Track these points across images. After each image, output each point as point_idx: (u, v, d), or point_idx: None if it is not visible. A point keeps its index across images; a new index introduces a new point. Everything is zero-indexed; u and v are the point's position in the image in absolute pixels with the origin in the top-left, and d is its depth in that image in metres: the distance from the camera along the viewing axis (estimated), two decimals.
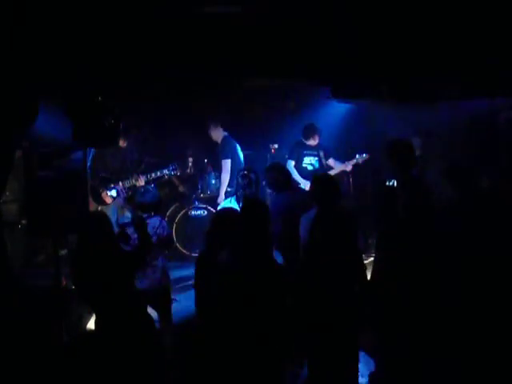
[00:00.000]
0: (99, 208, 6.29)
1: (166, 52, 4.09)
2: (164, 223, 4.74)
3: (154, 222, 4.57)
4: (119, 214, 6.35)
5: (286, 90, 7.37)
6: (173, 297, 5.00)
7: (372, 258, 5.13)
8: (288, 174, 5.19)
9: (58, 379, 4.06)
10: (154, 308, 4.57)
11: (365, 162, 7.07)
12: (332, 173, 6.55)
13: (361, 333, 4.04)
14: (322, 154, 7.17)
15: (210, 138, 7.36)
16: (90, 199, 5.58)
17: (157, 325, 4.29)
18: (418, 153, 5.85)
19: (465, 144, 6.31)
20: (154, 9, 3.83)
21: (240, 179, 5.02)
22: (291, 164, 7.02)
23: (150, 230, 4.33)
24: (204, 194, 7.70)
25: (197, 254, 7.12)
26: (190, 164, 7.78)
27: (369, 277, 3.98)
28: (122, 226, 4.42)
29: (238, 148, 7.00)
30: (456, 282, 3.61)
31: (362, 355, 4.22)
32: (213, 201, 7.45)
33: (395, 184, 4.88)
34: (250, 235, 3.41)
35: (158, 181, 6.56)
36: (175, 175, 7.01)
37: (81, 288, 3.80)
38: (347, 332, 3.89)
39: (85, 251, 3.71)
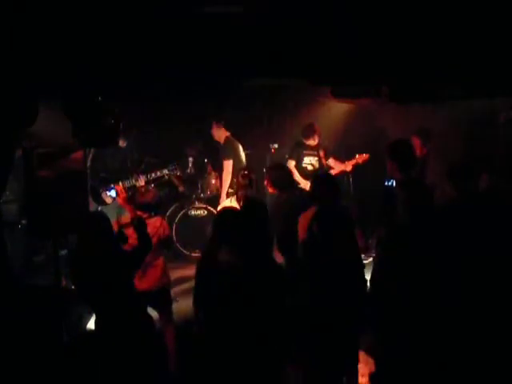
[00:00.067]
0: (99, 208, 6.29)
1: (166, 52, 4.09)
2: (164, 223, 4.75)
3: (154, 223, 4.58)
4: (119, 214, 6.36)
5: (286, 89, 7.36)
6: (173, 297, 5.01)
7: (372, 258, 5.14)
8: (290, 174, 5.21)
9: (58, 379, 4.06)
10: (154, 308, 4.57)
11: (365, 161, 7.06)
12: (332, 173, 6.55)
13: (361, 333, 4.04)
14: (322, 153, 7.17)
15: (210, 138, 7.37)
16: (90, 199, 5.58)
17: (157, 325, 4.29)
18: (418, 153, 5.86)
19: (465, 144, 6.31)
20: (154, 9, 3.83)
21: (240, 179, 5.03)
22: (291, 164, 7.02)
23: (150, 230, 4.33)
24: (204, 194, 7.71)
25: (197, 254, 7.26)
26: (190, 164, 7.79)
27: (369, 277, 3.98)
28: (121, 227, 4.42)
29: (241, 148, 6.99)
30: (456, 282, 3.60)
31: (361, 355, 4.23)
32: (213, 201, 7.46)
33: (394, 184, 4.88)
34: (250, 235, 3.41)
35: (158, 181, 6.56)
36: (175, 175, 7.02)
37: (81, 288, 3.81)
38: (347, 332, 3.89)
39: (84, 251, 3.71)
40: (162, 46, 4.07)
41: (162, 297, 4.64)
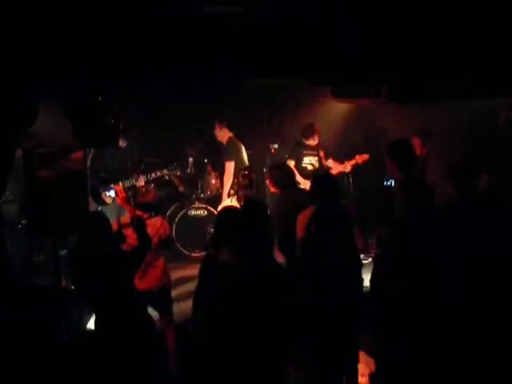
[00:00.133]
0: (99, 208, 6.29)
1: (166, 52, 4.09)
2: (165, 223, 4.75)
3: (155, 223, 4.58)
4: (119, 214, 6.36)
5: (286, 89, 7.36)
6: (174, 297, 5.00)
7: (372, 258, 5.15)
8: (292, 173, 5.21)
9: (58, 379, 4.06)
10: (154, 308, 4.58)
11: (365, 162, 7.06)
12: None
13: (361, 333, 4.04)
14: (322, 153, 7.17)
15: (210, 138, 7.35)
16: (90, 199, 5.58)
17: (157, 325, 4.29)
18: (418, 153, 5.86)
19: (465, 144, 6.31)
20: (154, 9, 3.83)
21: (241, 179, 5.03)
22: (291, 164, 7.00)
23: (150, 230, 4.33)
24: (204, 194, 7.70)
25: (197, 254, 7.26)
26: (190, 164, 7.78)
27: (369, 277, 3.99)
28: (120, 227, 4.43)
29: (243, 149, 6.97)
30: (456, 282, 3.61)
31: (361, 355, 4.23)
32: (213, 201, 7.46)
33: (393, 184, 4.88)
34: (250, 235, 3.41)
35: (158, 181, 6.55)
36: (175, 175, 7.01)
37: (81, 288, 3.81)
38: (347, 332, 3.89)
39: (84, 251, 3.71)
40: (162, 46, 4.06)
41: (162, 297, 4.64)
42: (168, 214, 7.51)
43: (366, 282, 4.06)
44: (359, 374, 4.17)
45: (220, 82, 5.30)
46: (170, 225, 7.10)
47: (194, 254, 7.31)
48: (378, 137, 7.53)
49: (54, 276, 4.51)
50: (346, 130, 8.05)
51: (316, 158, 7.15)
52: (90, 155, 6.38)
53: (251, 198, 4.61)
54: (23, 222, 6.24)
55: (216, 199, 7.24)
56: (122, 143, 6.69)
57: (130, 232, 4.18)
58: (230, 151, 6.87)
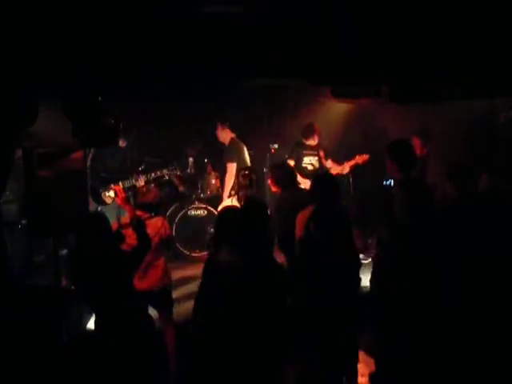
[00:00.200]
0: (99, 208, 6.29)
1: (166, 52, 4.09)
2: (166, 223, 4.75)
3: (155, 223, 4.58)
4: (119, 214, 6.36)
5: (286, 89, 7.36)
6: (174, 298, 5.00)
7: (371, 258, 5.14)
8: (293, 173, 5.22)
9: (58, 379, 4.06)
10: (155, 308, 4.58)
11: (365, 162, 7.06)
12: None
13: (361, 333, 4.04)
14: (322, 153, 7.17)
15: (210, 138, 7.35)
16: (90, 199, 5.58)
17: (157, 325, 4.29)
18: (418, 153, 5.86)
19: (465, 144, 6.31)
20: (154, 9, 3.83)
21: (241, 179, 5.03)
22: (291, 164, 7.01)
23: (151, 230, 4.33)
24: (204, 194, 7.70)
25: (197, 254, 7.26)
26: (190, 164, 7.78)
27: (369, 277, 3.98)
28: (120, 227, 4.43)
29: (245, 150, 6.95)
30: (456, 282, 3.61)
31: (361, 355, 4.23)
32: (213, 201, 7.46)
33: (392, 183, 4.88)
34: (250, 235, 3.41)
35: (158, 181, 6.55)
36: (175, 175, 7.01)
37: (81, 288, 3.81)
38: (347, 332, 3.89)
39: (84, 251, 3.71)
40: (162, 46, 4.06)
41: (162, 297, 4.64)
42: (168, 214, 7.51)
43: (366, 282, 4.06)
44: (359, 373, 4.17)
45: (220, 81, 5.30)
46: (170, 225, 7.11)
47: (193, 254, 7.32)
48: (377, 137, 7.54)
49: (54, 276, 4.51)
50: (345, 130, 8.06)
51: (316, 158, 7.15)
52: (90, 155, 6.38)
53: (251, 198, 4.61)
54: (23, 222, 6.24)
55: (216, 199, 7.24)
56: (121, 143, 6.70)
57: (129, 232, 4.18)
58: (232, 152, 6.85)
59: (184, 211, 7.51)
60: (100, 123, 4.49)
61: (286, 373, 3.60)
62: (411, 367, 3.61)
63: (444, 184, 4.26)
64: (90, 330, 4.70)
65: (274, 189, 5.07)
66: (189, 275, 6.38)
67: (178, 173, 6.81)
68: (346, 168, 7.06)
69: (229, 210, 3.99)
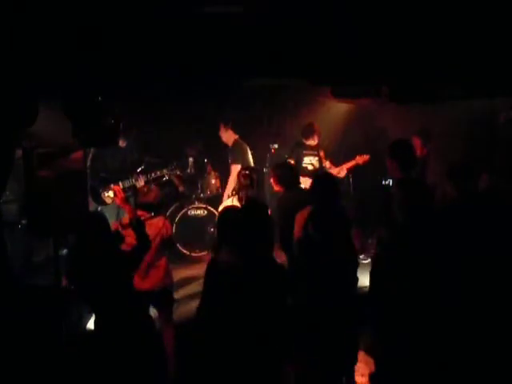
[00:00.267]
0: (99, 208, 6.29)
1: (166, 52, 4.09)
2: (167, 223, 4.75)
3: (157, 223, 4.58)
4: (119, 214, 6.36)
5: (286, 89, 7.36)
6: (175, 298, 5.00)
7: (371, 258, 5.14)
8: (296, 172, 5.22)
9: (58, 379, 4.06)
10: (156, 308, 4.58)
11: (365, 162, 7.05)
12: None
13: (361, 333, 4.04)
14: (322, 153, 7.17)
15: (210, 138, 7.35)
16: (90, 199, 5.58)
17: (157, 324, 4.29)
18: (418, 153, 5.86)
19: (465, 144, 6.31)
20: (154, 9, 3.83)
21: (242, 179, 5.03)
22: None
23: (153, 230, 4.33)
24: (204, 194, 7.70)
25: (197, 254, 7.26)
26: (190, 164, 7.78)
27: (368, 277, 3.98)
28: (121, 227, 4.43)
29: (249, 151, 6.94)
30: (456, 282, 3.60)
31: (361, 355, 4.23)
32: (213, 201, 7.46)
33: (391, 183, 4.89)
34: (250, 235, 3.41)
35: (158, 181, 6.56)
36: (175, 175, 7.01)
37: (80, 288, 3.81)
38: (347, 332, 3.89)
39: (84, 251, 3.71)
40: (162, 46, 4.06)
41: (163, 297, 4.64)
42: (168, 213, 7.51)
43: (366, 282, 4.06)
44: (359, 373, 4.17)
45: (220, 81, 5.29)
46: (170, 225, 7.11)
47: (193, 254, 7.32)
48: (378, 137, 7.54)
49: (54, 276, 4.51)
50: (345, 130, 8.06)
51: (316, 158, 7.15)
52: (90, 155, 6.38)
53: (252, 199, 4.61)
54: (23, 221, 6.24)
55: (216, 199, 7.24)
56: (121, 143, 6.70)
57: (129, 232, 4.18)
58: (236, 154, 6.82)
59: (184, 211, 7.51)
60: (100, 123, 4.49)
61: (286, 373, 3.60)
62: (411, 367, 3.61)
63: (444, 184, 4.26)
64: (90, 330, 4.70)
65: (276, 188, 5.07)
66: (188, 275, 6.38)
67: (178, 173, 6.82)
68: (342, 171, 7.02)
69: (229, 210, 3.99)
